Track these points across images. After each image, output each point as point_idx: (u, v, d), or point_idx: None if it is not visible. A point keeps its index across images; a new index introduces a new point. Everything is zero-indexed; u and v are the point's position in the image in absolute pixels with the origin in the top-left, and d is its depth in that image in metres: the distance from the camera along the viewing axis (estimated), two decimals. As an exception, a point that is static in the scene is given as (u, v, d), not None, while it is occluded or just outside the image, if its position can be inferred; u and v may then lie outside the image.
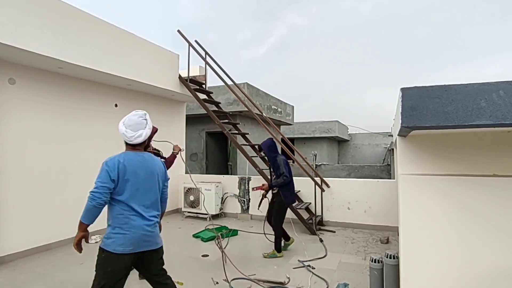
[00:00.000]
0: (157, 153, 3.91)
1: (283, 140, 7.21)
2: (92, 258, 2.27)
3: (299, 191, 6.57)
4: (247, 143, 7.06)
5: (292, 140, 20.15)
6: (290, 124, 15.14)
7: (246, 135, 7.26)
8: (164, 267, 2.52)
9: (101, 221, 2.32)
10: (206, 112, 6.61)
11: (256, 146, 4.74)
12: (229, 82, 6.96)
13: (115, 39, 5.34)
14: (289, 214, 5.76)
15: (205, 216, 6.84)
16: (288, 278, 3.67)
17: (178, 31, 6.74)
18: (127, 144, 2.37)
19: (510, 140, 2.36)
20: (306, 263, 4.15)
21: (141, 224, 2.24)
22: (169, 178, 2.60)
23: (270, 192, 4.73)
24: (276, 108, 12.54)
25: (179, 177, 7.55)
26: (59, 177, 5.04)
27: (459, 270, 2.33)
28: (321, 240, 5.21)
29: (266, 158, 4.72)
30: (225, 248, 4.27)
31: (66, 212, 4.91)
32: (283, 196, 4.45)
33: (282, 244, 4.64)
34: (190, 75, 6.97)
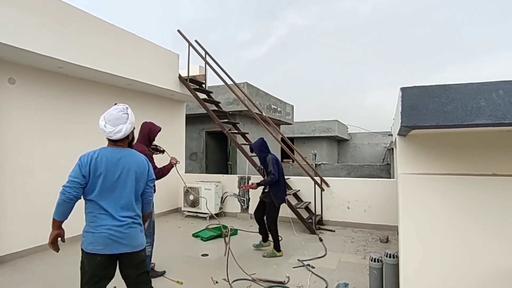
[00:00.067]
0: (155, 147, 3.89)
1: (282, 140, 7.21)
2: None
3: (299, 190, 6.57)
4: (247, 143, 7.06)
5: (291, 139, 20.16)
6: (290, 124, 15.15)
7: (246, 135, 7.26)
8: (145, 276, 2.30)
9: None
10: (206, 111, 6.61)
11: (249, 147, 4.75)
12: (229, 82, 6.96)
13: (115, 39, 5.34)
14: (289, 213, 5.79)
15: (205, 215, 6.85)
16: (288, 277, 3.67)
17: (178, 31, 6.74)
18: (108, 139, 2.25)
19: (510, 140, 2.36)
20: (305, 263, 4.15)
21: (109, 224, 2.10)
22: (154, 179, 2.42)
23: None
24: (276, 107, 12.54)
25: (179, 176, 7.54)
26: (59, 177, 5.01)
27: (459, 270, 2.34)
28: (321, 240, 5.22)
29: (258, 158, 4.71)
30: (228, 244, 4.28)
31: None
32: (273, 196, 4.44)
33: (258, 242, 4.76)
34: (190, 74, 6.97)
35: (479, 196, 2.31)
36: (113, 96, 6.06)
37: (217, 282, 3.56)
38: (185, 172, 8.53)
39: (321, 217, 6.29)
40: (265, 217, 4.60)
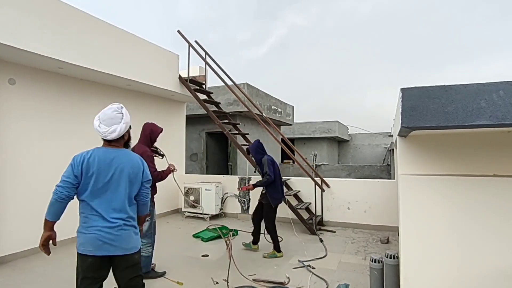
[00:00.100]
0: (155, 150, 3.90)
1: (283, 141, 7.21)
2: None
3: (299, 191, 6.57)
4: (247, 143, 7.06)
5: (292, 140, 20.16)
6: (290, 124, 15.15)
7: (246, 135, 7.26)
8: (139, 280, 2.26)
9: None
10: (206, 112, 6.61)
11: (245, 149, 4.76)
12: (229, 83, 6.96)
13: (115, 39, 5.34)
14: (290, 214, 5.79)
15: (205, 216, 6.85)
16: (288, 278, 3.67)
17: (178, 31, 6.74)
18: (103, 139, 2.22)
19: (510, 140, 2.36)
20: (306, 263, 4.15)
21: (99, 225, 2.07)
22: (150, 180, 2.35)
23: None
24: (276, 108, 12.54)
25: (179, 177, 7.55)
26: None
27: (459, 270, 2.33)
28: (321, 240, 5.21)
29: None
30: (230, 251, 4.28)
31: (66, 212, 4.88)
32: (269, 197, 4.44)
33: (243, 243, 4.81)
34: (190, 75, 6.98)
35: (480, 197, 2.30)
36: (113, 96, 6.06)
37: (217, 283, 3.56)
38: (186, 173, 8.53)
39: (322, 218, 6.28)
40: (263, 220, 4.59)
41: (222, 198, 7.18)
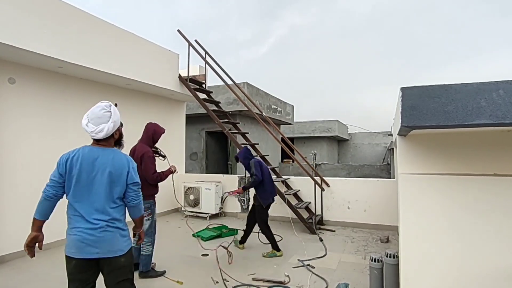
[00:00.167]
0: (155, 150, 3.91)
1: (283, 140, 7.21)
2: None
3: (299, 190, 6.57)
4: (247, 143, 7.06)
5: (292, 139, 20.17)
6: (290, 124, 15.15)
7: (246, 135, 7.26)
8: (127, 284, 2.16)
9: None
10: (206, 111, 6.61)
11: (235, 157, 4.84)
12: (229, 82, 6.96)
13: (115, 38, 5.34)
14: (289, 213, 5.79)
15: (205, 215, 6.86)
16: (288, 277, 3.67)
17: (178, 30, 6.74)
18: (93, 139, 2.15)
19: (510, 140, 2.36)
20: (306, 263, 4.15)
21: (81, 226, 2.00)
22: (136, 182, 2.18)
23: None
24: (276, 107, 12.54)
25: (178, 176, 7.55)
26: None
27: (459, 270, 2.34)
28: (321, 240, 5.21)
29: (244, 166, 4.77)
30: (228, 246, 4.30)
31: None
32: (259, 197, 4.46)
33: (234, 238, 4.88)
34: (190, 74, 6.97)
35: (480, 196, 2.30)
36: (113, 95, 6.06)
37: (217, 282, 3.56)
38: (185, 172, 8.54)
39: (321, 217, 6.28)
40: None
41: (222, 197, 7.18)
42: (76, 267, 2.03)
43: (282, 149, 13.90)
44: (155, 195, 3.80)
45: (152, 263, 3.82)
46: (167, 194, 7.25)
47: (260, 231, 4.58)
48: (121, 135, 2.30)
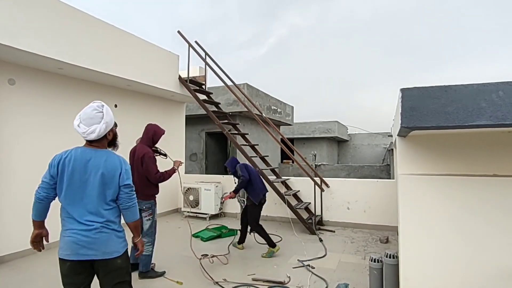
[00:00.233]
0: (155, 150, 3.92)
1: (282, 141, 7.22)
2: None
3: (299, 191, 6.58)
4: (247, 144, 7.06)
5: (291, 140, 20.17)
6: (290, 125, 15.16)
7: (246, 136, 7.26)
8: (124, 286, 2.11)
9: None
10: (205, 112, 6.62)
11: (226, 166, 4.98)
12: (229, 83, 6.96)
13: (115, 39, 5.34)
14: (289, 214, 5.79)
15: (205, 216, 6.86)
16: (289, 277, 3.67)
17: (178, 31, 6.74)
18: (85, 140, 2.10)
19: (510, 141, 2.37)
20: (305, 263, 4.15)
21: (75, 228, 1.96)
22: (129, 184, 2.11)
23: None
24: (276, 108, 12.55)
25: (177, 177, 7.54)
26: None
27: (459, 270, 2.34)
28: (321, 240, 5.22)
29: (233, 176, 4.92)
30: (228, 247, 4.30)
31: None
32: (250, 196, 4.57)
33: (234, 240, 4.93)
34: (190, 75, 6.98)
35: (480, 196, 2.31)
36: (113, 96, 6.06)
37: (217, 283, 3.56)
38: (185, 173, 8.53)
39: (321, 218, 6.29)
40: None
41: (222, 198, 7.17)
42: (70, 270, 1.99)
43: (282, 150, 13.91)
44: (156, 195, 3.81)
45: (152, 264, 3.82)
46: (167, 195, 7.27)
47: (252, 231, 4.65)
48: (115, 136, 2.25)
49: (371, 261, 3.08)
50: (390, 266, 2.84)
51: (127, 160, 2.31)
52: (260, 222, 4.64)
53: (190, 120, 10.31)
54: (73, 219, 1.98)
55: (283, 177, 6.97)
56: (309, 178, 6.33)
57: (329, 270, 3.97)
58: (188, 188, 7.06)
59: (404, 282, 2.50)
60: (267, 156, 7.45)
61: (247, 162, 6.34)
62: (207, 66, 6.96)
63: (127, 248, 2.16)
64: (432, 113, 1.85)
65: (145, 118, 6.31)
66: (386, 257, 2.88)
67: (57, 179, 2.01)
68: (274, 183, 5.96)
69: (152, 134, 3.80)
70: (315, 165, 12.51)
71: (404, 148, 2.62)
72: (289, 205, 5.69)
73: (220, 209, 7.15)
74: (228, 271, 3.90)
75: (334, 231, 5.83)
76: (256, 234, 4.68)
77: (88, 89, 5.60)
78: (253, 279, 3.65)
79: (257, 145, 7.27)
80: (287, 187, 6.60)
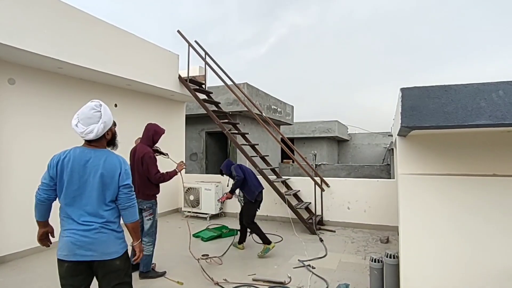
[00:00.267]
0: (156, 150, 3.92)
1: (282, 140, 7.22)
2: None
3: (299, 190, 6.58)
4: (247, 143, 7.06)
5: (292, 140, 20.16)
6: (290, 124, 15.16)
7: (246, 135, 7.26)
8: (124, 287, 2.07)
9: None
10: (206, 112, 6.61)
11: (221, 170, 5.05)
12: (229, 82, 6.96)
13: (115, 39, 5.34)
14: (289, 213, 5.79)
15: (205, 216, 6.86)
16: (290, 277, 3.67)
17: (178, 31, 6.74)
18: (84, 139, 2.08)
19: (510, 140, 2.36)
20: (306, 263, 4.15)
21: (74, 228, 1.94)
22: (128, 184, 2.08)
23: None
24: (276, 108, 12.54)
25: (178, 176, 7.54)
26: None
27: (459, 270, 2.34)
28: (321, 240, 5.22)
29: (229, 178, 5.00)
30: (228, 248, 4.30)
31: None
32: (246, 195, 4.65)
33: (234, 240, 4.95)
34: (190, 75, 6.98)
35: (479, 196, 2.31)
36: (113, 96, 6.06)
37: (217, 283, 3.56)
38: (185, 173, 8.53)
39: (322, 218, 6.28)
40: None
41: (218, 200, 7.17)
42: (68, 271, 1.96)
43: (282, 150, 13.91)
44: (157, 195, 3.81)
45: (153, 264, 3.82)
46: (167, 194, 7.27)
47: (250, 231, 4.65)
48: (114, 135, 2.21)
49: (372, 261, 3.08)
50: (391, 266, 2.84)
51: (127, 160, 2.30)
52: (261, 222, 4.65)
53: (190, 120, 10.31)
54: (71, 219, 1.96)
55: (283, 177, 6.97)
56: (309, 177, 6.33)
57: (330, 270, 3.97)
58: (188, 188, 7.06)
59: (404, 282, 2.50)
60: (267, 155, 7.45)
61: (247, 162, 6.35)
62: (207, 66, 6.96)
63: (127, 249, 2.13)
64: (432, 113, 1.84)
65: (145, 117, 6.31)
66: (387, 257, 2.88)
67: (57, 180, 2.00)
68: (274, 183, 5.96)
69: (152, 134, 3.80)
70: (315, 164, 12.51)
71: (404, 147, 2.62)
72: (290, 205, 5.69)
73: (221, 209, 7.15)
74: (229, 271, 3.90)
75: (334, 231, 5.83)
76: (254, 235, 4.69)
77: (88, 88, 5.60)
78: (254, 279, 3.65)
79: (257, 144, 7.26)
80: (288, 187, 6.60)
